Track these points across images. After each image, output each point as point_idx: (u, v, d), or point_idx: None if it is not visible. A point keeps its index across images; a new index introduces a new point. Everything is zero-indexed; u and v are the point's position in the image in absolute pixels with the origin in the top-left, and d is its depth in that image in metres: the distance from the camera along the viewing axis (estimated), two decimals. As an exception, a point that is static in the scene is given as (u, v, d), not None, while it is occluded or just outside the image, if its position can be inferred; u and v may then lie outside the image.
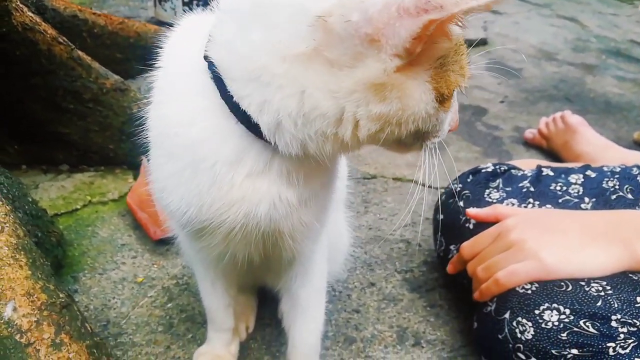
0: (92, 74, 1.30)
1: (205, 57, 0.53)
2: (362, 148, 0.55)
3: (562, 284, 0.80)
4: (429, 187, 1.49)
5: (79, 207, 1.25)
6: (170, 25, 0.63)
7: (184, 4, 2.19)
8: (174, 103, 0.58)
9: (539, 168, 1.08)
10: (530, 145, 1.74)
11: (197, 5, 2.17)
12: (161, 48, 0.61)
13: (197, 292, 1.02)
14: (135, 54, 1.72)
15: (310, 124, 0.49)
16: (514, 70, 2.35)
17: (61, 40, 1.25)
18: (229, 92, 0.52)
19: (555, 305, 0.77)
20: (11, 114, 1.28)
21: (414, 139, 0.55)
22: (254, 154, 0.55)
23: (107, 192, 1.31)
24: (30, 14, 1.21)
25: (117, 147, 1.36)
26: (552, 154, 1.65)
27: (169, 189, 0.61)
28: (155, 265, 1.11)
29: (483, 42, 2.55)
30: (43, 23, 1.23)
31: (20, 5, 1.19)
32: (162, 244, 1.15)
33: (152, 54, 0.61)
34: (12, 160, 1.34)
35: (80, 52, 1.29)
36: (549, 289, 0.80)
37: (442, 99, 0.50)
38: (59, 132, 1.32)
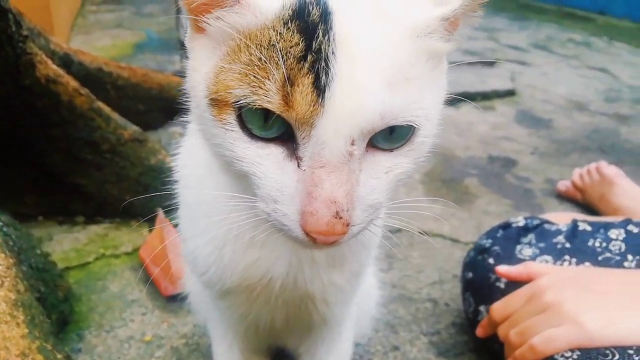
0: (111, 125, 1.29)
1: None
2: None
3: (608, 352, 0.72)
4: (457, 241, 1.44)
5: (91, 260, 1.21)
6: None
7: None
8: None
9: (575, 222, 1.00)
10: (564, 198, 1.66)
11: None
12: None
13: (207, 353, 0.96)
14: (157, 106, 1.73)
15: None
16: (543, 121, 2.28)
17: (82, 92, 1.25)
18: None
19: (601, 378, 0.69)
20: (30, 165, 1.28)
21: None
22: None
23: (120, 245, 1.27)
24: (53, 66, 1.22)
25: (133, 198, 1.34)
26: (587, 207, 1.56)
27: (194, 247, 0.60)
28: (165, 323, 1.05)
29: (511, 93, 2.50)
30: (66, 75, 1.24)
31: (45, 59, 1.20)
32: (173, 300, 1.09)
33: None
34: (29, 212, 1.33)
35: (100, 103, 1.29)
36: (593, 358, 0.71)
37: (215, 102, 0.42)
38: (76, 183, 1.30)
